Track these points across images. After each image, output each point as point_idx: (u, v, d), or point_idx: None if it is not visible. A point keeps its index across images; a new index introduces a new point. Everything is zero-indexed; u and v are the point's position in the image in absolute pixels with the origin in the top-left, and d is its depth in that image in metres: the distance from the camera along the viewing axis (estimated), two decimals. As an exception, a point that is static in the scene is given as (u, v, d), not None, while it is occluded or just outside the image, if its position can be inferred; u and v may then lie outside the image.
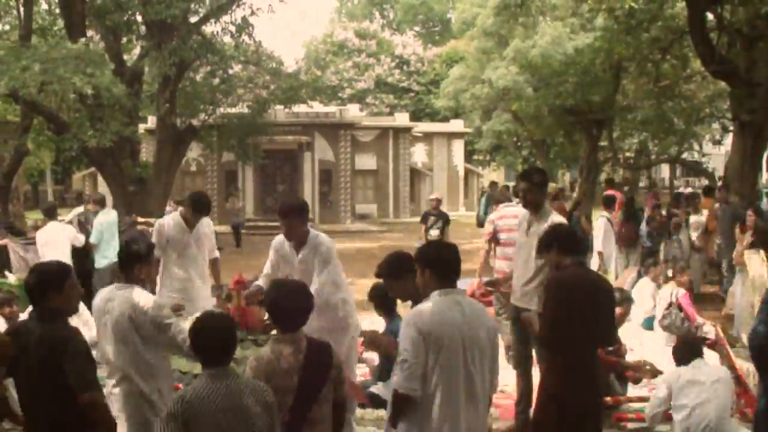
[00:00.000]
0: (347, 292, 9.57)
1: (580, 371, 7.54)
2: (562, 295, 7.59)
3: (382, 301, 10.72)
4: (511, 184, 34.70)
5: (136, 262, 7.66)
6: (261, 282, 9.63)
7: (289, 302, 6.60)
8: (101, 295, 7.74)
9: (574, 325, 7.45)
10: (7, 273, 17.97)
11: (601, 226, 19.77)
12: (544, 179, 9.66)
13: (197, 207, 11.64)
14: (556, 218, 9.32)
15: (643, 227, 21.19)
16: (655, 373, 10.95)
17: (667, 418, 9.42)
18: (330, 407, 6.52)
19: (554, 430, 7.62)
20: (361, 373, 11.96)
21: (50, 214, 18.79)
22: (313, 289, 8.57)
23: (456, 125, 55.17)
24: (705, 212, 21.67)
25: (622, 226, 21.24)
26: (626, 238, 21.01)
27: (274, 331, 8.35)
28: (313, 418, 6.35)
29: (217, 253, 12.34)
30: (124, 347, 7.45)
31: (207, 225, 12.01)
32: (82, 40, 26.20)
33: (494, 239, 11.80)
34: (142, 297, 7.47)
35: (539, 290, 8.85)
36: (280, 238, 9.56)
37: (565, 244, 7.90)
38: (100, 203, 19.70)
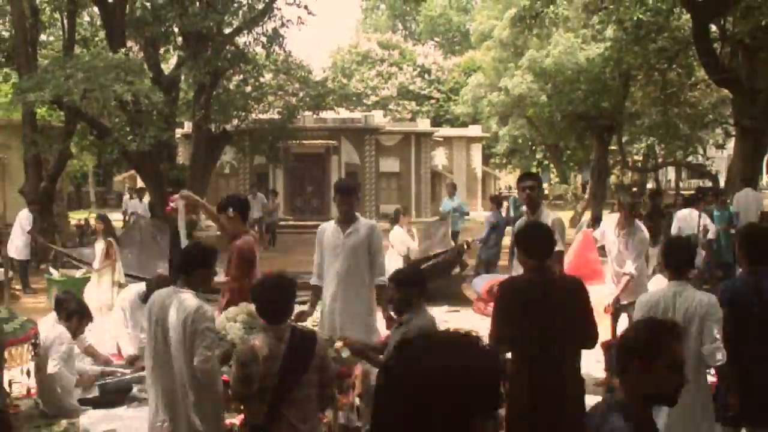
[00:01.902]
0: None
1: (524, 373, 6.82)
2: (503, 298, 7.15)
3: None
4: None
5: (197, 267, 7.39)
6: (314, 281, 9.73)
7: (269, 296, 6.72)
8: (158, 297, 7.41)
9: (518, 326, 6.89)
10: (51, 269, 18.03)
11: None
12: (538, 182, 9.85)
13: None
14: (554, 215, 9.39)
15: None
16: None
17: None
18: (315, 390, 6.65)
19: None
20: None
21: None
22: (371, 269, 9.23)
23: (474, 130, 55.07)
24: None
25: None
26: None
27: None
28: (296, 399, 6.48)
29: None
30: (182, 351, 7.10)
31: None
32: (123, 50, 26.31)
33: None
34: (194, 302, 7.15)
35: None
36: (320, 228, 9.69)
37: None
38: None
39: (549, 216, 9.35)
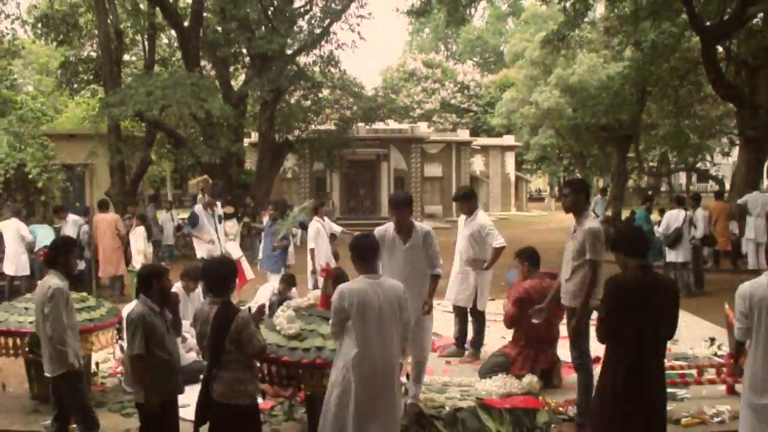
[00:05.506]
0: None
1: (633, 367, 6.44)
2: (615, 296, 6.55)
3: None
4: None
5: (376, 253, 7.19)
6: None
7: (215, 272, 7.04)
8: (363, 284, 6.78)
9: (626, 324, 6.43)
10: (134, 264, 18.12)
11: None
12: (581, 187, 8.83)
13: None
14: (592, 223, 8.46)
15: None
16: None
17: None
18: (242, 357, 6.75)
19: (605, 421, 6.63)
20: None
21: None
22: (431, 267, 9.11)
23: (508, 140, 54.94)
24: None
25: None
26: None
27: None
28: (224, 362, 6.69)
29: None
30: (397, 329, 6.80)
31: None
32: (197, 69, 26.55)
33: None
34: (399, 285, 6.99)
35: (577, 288, 8.38)
36: (381, 229, 9.16)
37: (629, 248, 6.72)
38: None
39: (589, 224, 8.51)
